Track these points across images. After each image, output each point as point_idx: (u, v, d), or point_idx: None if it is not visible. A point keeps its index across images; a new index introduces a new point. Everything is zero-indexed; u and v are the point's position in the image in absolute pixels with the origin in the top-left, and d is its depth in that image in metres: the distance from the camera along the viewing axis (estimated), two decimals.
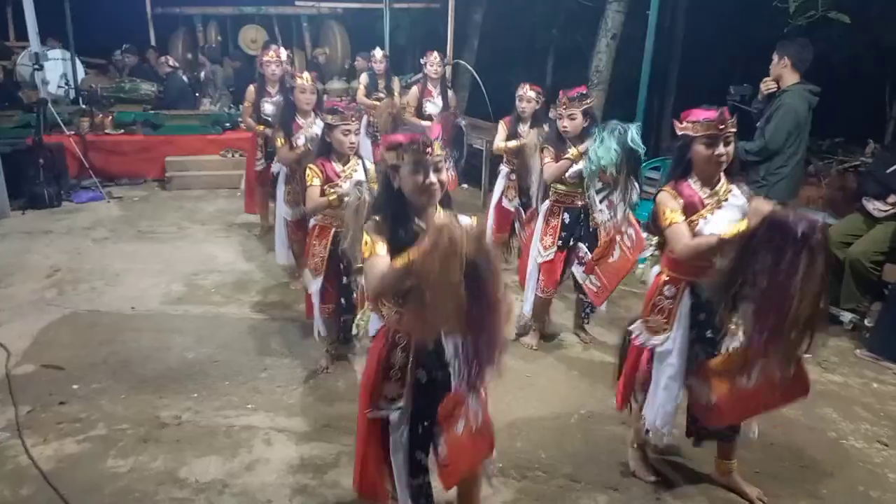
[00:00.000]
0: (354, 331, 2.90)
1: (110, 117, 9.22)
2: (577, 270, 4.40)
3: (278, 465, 3.26)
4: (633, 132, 3.86)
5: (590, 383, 4.14)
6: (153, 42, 11.77)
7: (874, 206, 4.82)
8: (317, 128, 4.64)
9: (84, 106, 9.55)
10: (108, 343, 4.45)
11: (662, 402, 2.98)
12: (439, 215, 2.38)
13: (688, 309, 2.93)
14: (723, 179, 2.88)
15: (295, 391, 3.94)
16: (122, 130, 9.21)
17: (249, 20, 12.54)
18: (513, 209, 5.53)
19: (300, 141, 4.76)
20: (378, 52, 7.63)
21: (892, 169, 4.70)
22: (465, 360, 2.25)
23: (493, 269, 2.13)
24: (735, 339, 2.88)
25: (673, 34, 11.13)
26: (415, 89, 6.79)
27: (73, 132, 8.62)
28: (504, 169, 5.56)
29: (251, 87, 6.08)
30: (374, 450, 2.56)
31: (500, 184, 5.60)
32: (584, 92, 4.20)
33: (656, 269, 3.11)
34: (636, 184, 4.01)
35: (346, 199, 3.43)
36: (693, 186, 2.87)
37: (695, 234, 2.80)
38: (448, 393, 2.42)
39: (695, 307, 2.93)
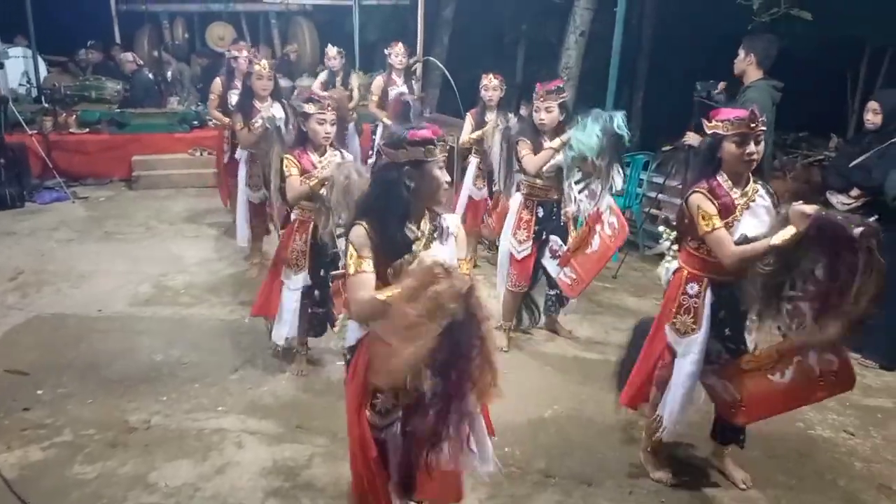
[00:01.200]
0: (338, 340, 2.70)
1: (74, 116, 9.04)
2: (549, 264, 4.36)
3: (250, 468, 3.22)
4: (619, 119, 3.90)
5: (562, 379, 4.16)
6: (118, 39, 11.55)
7: (838, 200, 4.88)
8: (274, 110, 4.85)
9: (47, 104, 9.35)
10: (73, 346, 4.36)
11: (680, 401, 3.00)
12: (427, 226, 2.37)
13: (710, 307, 2.95)
14: (750, 179, 2.89)
15: (266, 392, 3.90)
16: (87, 129, 9.03)
17: (217, 17, 12.36)
18: (480, 199, 5.66)
19: (257, 123, 4.86)
20: (332, 50, 7.62)
21: (854, 163, 4.77)
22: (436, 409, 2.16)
23: (476, 330, 2.03)
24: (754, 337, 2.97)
25: (640, 31, 11.20)
26: (379, 79, 6.83)
27: (35, 131, 8.45)
28: (474, 159, 5.67)
29: (218, 80, 6.19)
30: (378, 473, 2.42)
31: (470, 171, 5.70)
32: (561, 86, 4.24)
33: (674, 264, 3.13)
34: (619, 169, 4.04)
35: (326, 182, 3.40)
36: (724, 186, 2.86)
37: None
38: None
39: (714, 305, 2.95)
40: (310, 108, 3.68)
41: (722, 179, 2.87)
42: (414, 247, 2.30)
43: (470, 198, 5.67)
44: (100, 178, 8.81)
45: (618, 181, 4.07)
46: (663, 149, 6.64)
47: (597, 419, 3.74)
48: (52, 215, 7.35)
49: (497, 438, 3.45)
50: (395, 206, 2.29)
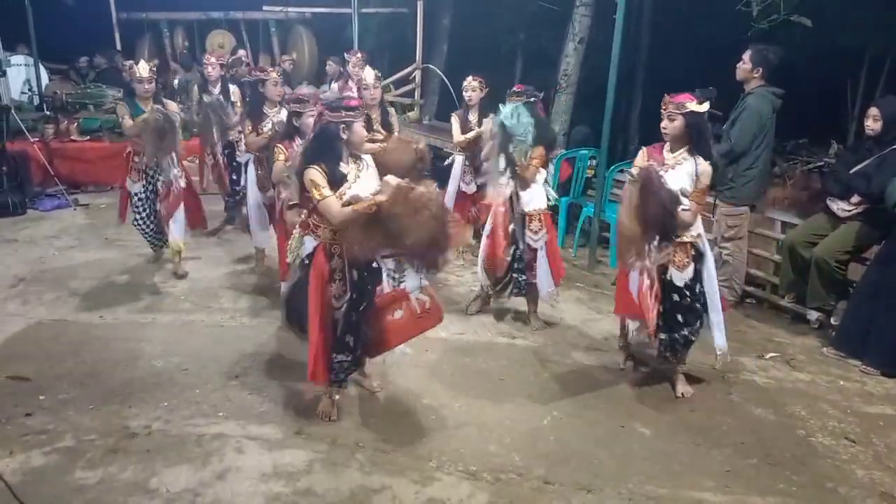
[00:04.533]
0: (290, 257, 3.60)
1: (76, 124, 9.06)
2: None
3: (250, 474, 3.22)
4: (505, 110, 4.45)
5: (560, 385, 4.16)
6: (119, 47, 11.59)
7: (838, 207, 4.89)
8: (282, 115, 5.09)
9: (48, 112, 9.38)
10: (74, 353, 4.37)
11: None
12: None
13: None
14: (681, 150, 3.69)
15: (266, 398, 3.90)
16: (88, 137, 9.05)
17: (217, 25, 12.38)
18: (471, 192, 5.93)
19: (266, 127, 5.14)
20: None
21: (854, 170, 4.78)
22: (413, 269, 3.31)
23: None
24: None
25: (638, 37, 11.23)
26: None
27: (37, 139, 8.46)
28: (459, 157, 5.92)
29: (196, 88, 6.54)
30: (326, 341, 3.44)
31: (456, 170, 5.93)
32: (518, 90, 4.69)
33: None
34: (500, 158, 4.51)
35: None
36: (665, 149, 3.76)
37: None
38: (376, 285, 3.51)
39: None
40: (300, 106, 4.26)
41: (666, 144, 3.76)
42: (348, 179, 3.30)
43: (461, 192, 5.96)
44: (100, 186, 8.82)
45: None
46: None
47: (595, 426, 3.74)
48: (54, 222, 7.37)
49: (495, 446, 3.49)
50: (335, 149, 3.30)
